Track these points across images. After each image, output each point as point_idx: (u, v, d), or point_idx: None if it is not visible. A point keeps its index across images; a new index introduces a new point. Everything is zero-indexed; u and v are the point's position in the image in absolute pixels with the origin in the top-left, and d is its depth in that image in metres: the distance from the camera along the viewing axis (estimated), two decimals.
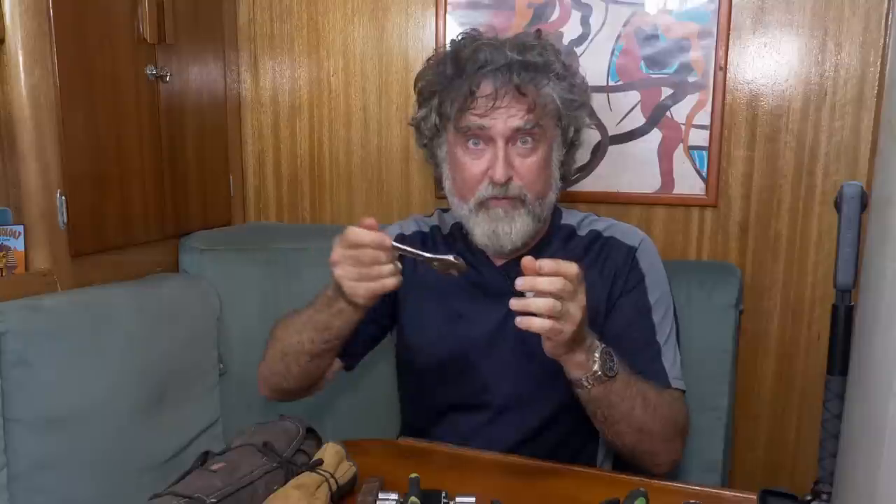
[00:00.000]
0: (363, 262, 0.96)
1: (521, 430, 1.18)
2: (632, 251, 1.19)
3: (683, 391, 1.14)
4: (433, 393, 1.23)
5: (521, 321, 0.91)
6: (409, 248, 0.98)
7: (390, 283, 0.98)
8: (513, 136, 1.12)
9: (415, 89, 1.24)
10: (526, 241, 1.17)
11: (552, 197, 1.20)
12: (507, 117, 1.11)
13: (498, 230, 1.14)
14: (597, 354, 0.99)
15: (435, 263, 0.99)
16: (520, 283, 0.90)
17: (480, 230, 1.15)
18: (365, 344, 1.24)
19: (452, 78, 1.15)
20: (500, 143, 1.12)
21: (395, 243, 0.96)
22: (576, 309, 0.92)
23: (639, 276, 1.18)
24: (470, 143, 1.14)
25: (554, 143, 1.19)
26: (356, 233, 0.96)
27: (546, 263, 0.90)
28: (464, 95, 1.12)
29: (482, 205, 1.14)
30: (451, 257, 0.99)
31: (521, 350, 1.15)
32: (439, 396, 1.22)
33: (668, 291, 1.19)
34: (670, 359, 1.14)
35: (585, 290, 0.95)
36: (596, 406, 1.03)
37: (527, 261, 0.90)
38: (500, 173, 1.11)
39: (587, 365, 0.99)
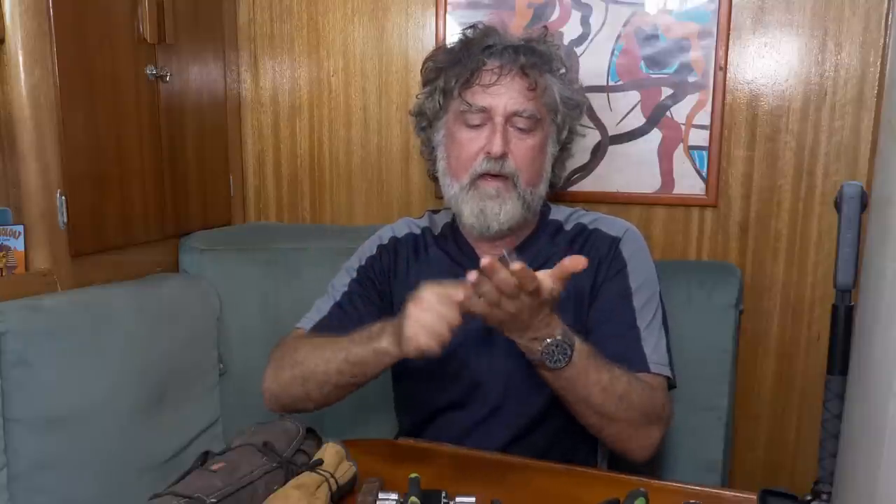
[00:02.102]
0: (440, 311, 0.96)
1: (516, 426, 1.18)
2: (615, 241, 1.21)
3: (668, 377, 1.13)
4: (427, 393, 1.23)
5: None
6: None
7: (439, 345, 0.97)
8: (512, 118, 1.15)
9: (421, 72, 1.28)
10: (512, 226, 1.18)
11: (542, 190, 1.22)
12: (508, 98, 1.15)
13: (486, 209, 1.16)
14: (542, 345, 0.99)
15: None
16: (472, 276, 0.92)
17: (469, 208, 1.17)
18: None
19: (459, 56, 1.19)
20: (500, 120, 1.15)
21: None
22: (511, 306, 0.93)
23: (621, 263, 1.19)
24: (469, 121, 1.17)
25: (549, 138, 1.22)
26: (458, 293, 0.95)
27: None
28: (470, 70, 1.16)
29: (474, 183, 1.16)
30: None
31: (511, 347, 1.15)
32: (433, 396, 1.23)
33: (654, 280, 1.20)
34: (651, 344, 1.13)
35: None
36: (551, 386, 1.05)
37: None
38: (497, 145, 1.14)
39: (531, 352, 1.00)
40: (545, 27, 1.33)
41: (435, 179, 1.31)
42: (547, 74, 1.20)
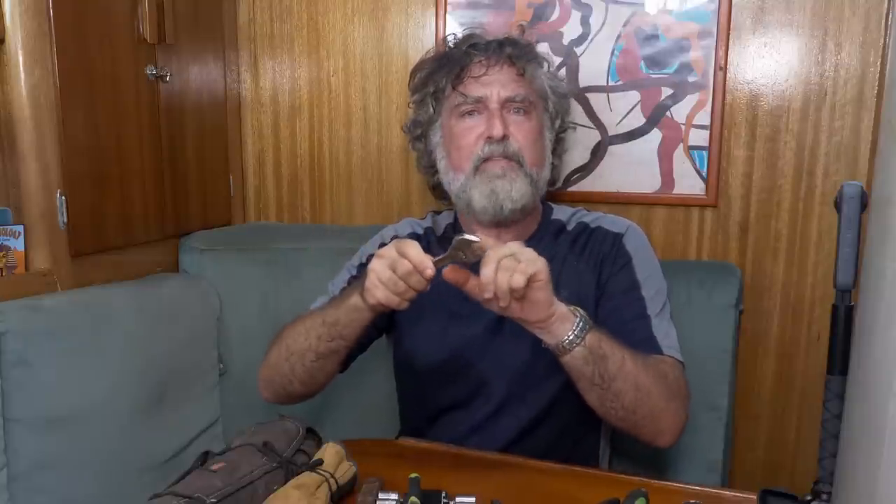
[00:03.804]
0: (396, 271, 0.95)
1: (520, 424, 1.18)
2: (618, 237, 1.21)
3: (681, 362, 1.13)
4: (431, 393, 1.23)
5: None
6: (443, 257, 0.96)
7: (402, 305, 0.97)
8: (507, 105, 1.18)
9: (409, 86, 1.30)
10: (525, 206, 1.18)
11: (546, 174, 1.24)
12: (500, 86, 1.18)
13: (497, 188, 1.16)
14: (571, 307, 0.99)
15: (461, 255, 0.96)
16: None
17: (479, 192, 1.17)
18: (360, 344, 1.23)
19: (445, 59, 1.22)
20: (495, 107, 1.17)
21: (434, 260, 0.95)
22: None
23: (626, 257, 1.19)
24: (465, 113, 1.19)
25: (544, 125, 1.24)
26: (409, 244, 0.96)
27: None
28: (459, 66, 1.19)
29: (478, 168, 1.17)
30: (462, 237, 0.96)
31: (515, 346, 1.16)
32: (438, 396, 1.23)
33: (661, 275, 1.20)
34: (662, 330, 1.14)
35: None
36: (591, 363, 0.99)
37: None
38: (497, 128, 1.15)
39: (567, 313, 0.98)
40: (521, 26, 1.37)
41: (434, 189, 1.32)
42: (533, 63, 1.22)
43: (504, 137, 1.16)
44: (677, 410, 1.08)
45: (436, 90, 1.22)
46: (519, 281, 0.90)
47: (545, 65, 1.27)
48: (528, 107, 1.19)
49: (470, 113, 1.18)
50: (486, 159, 1.17)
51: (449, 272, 0.94)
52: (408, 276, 0.94)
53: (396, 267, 0.95)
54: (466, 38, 1.24)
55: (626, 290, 1.17)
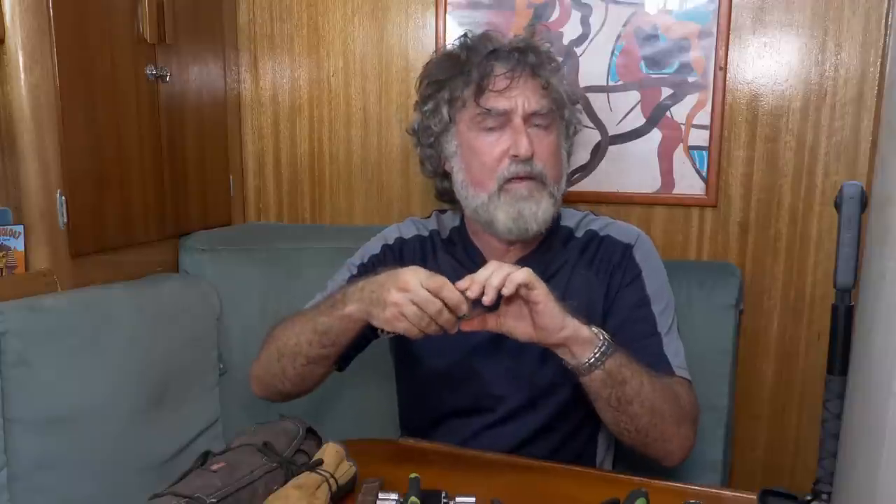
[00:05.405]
0: (425, 308, 0.94)
1: (521, 434, 1.18)
2: (628, 248, 1.20)
3: (690, 381, 1.13)
4: (434, 399, 1.22)
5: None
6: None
7: (419, 336, 0.97)
8: (529, 119, 1.14)
9: (418, 87, 1.25)
10: (546, 225, 1.16)
11: (564, 186, 1.22)
12: (523, 99, 1.13)
13: (524, 210, 1.13)
14: (594, 329, 1.00)
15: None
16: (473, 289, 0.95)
17: (504, 214, 1.14)
18: (357, 345, 1.22)
19: (464, 64, 1.17)
20: (519, 122, 1.13)
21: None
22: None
23: (635, 270, 1.18)
24: (487, 126, 1.15)
25: (562, 134, 1.21)
26: (445, 284, 0.95)
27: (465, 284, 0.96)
28: (481, 75, 1.14)
29: (503, 188, 1.14)
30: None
31: (520, 355, 1.15)
32: (440, 402, 1.22)
33: (667, 286, 1.20)
34: (673, 349, 1.13)
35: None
36: (609, 386, 1.00)
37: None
38: (524, 147, 1.11)
39: (590, 336, 0.99)
40: (532, 25, 1.33)
41: (442, 195, 1.29)
42: (552, 69, 1.19)
43: (530, 156, 1.12)
44: (687, 434, 1.09)
45: (452, 98, 1.17)
46: (508, 278, 0.94)
47: (562, 69, 1.23)
48: (549, 121, 1.16)
49: (492, 127, 1.14)
50: (509, 178, 1.13)
51: (466, 326, 0.98)
52: (438, 315, 0.95)
53: (427, 307, 0.94)
54: (484, 41, 1.18)
55: (636, 305, 1.16)
